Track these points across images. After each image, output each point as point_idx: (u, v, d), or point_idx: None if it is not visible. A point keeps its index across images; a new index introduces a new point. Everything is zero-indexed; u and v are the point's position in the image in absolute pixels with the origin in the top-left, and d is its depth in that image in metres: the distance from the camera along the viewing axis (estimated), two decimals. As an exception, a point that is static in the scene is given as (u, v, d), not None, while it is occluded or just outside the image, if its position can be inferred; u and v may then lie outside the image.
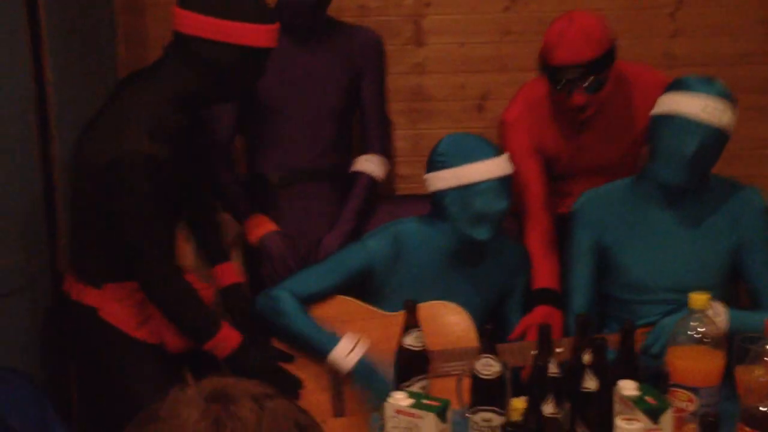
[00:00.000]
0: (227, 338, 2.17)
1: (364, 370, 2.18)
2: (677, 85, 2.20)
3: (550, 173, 2.65)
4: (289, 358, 2.26)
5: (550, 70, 2.45)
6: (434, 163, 2.27)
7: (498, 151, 2.26)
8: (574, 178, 2.68)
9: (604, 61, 2.42)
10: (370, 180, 2.80)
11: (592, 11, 2.52)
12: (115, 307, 2.20)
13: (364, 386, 2.18)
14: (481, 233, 2.24)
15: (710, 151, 2.16)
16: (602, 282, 2.37)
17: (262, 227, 2.66)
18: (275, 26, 2.16)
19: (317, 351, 2.22)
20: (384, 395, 1.81)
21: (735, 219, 2.26)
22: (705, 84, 2.17)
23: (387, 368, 2.07)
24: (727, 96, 2.16)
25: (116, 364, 2.22)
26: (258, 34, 2.11)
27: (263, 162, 2.77)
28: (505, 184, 2.24)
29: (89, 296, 2.20)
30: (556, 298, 2.42)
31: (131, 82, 2.22)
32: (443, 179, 2.24)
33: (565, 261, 2.42)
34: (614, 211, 2.33)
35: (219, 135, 2.69)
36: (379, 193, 2.90)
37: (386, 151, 2.89)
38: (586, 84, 2.41)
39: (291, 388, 2.23)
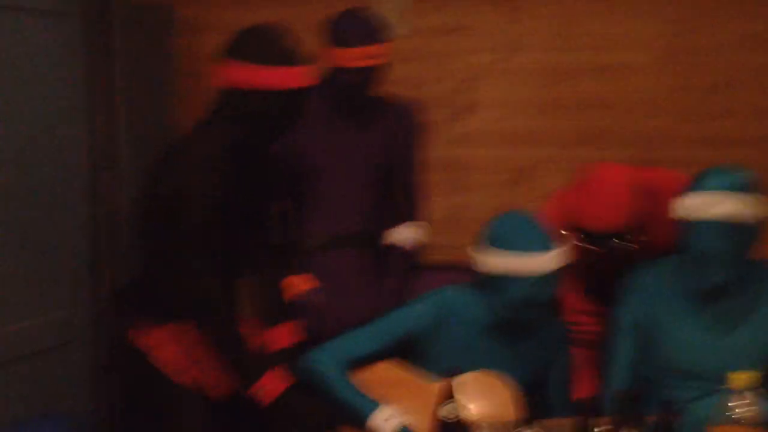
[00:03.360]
0: (270, 385, 2.18)
1: None
2: (692, 185, 2.18)
3: None
4: (333, 424, 2.24)
5: (581, 230, 2.46)
6: (489, 242, 2.25)
7: (553, 243, 2.23)
8: None
9: (629, 224, 2.41)
10: (406, 254, 2.85)
11: (615, 170, 2.45)
12: (167, 349, 2.25)
13: None
14: (520, 316, 2.25)
15: (727, 245, 2.13)
16: (644, 363, 2.33)
17: (304, 284, 2.72)
18: (306, 68, 2.23)
19: (356, 416, 2.20)
20: None
21: None
22: (716, 179, 2.14)
23: None
24: (742, 187, 2.13)
25: (160, 407, 2.27)
26: (291, 77, 2.19)
27: (306, 228, 2.82)
28: (556, 275, 2.23)
29: (145, 337, 2.26)
30: (594, 407, 2.43)
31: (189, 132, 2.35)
32: (496, 261, 2.22)
33: (609, 336, 2.38)
34: (663, 291, 2.29)
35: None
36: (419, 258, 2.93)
37: (424, 218, 2.92)
38: (617, 244, 2.41)
39: None
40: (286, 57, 2.21)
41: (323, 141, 2.77)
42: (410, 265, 2.87)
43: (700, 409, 2.07)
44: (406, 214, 2.90)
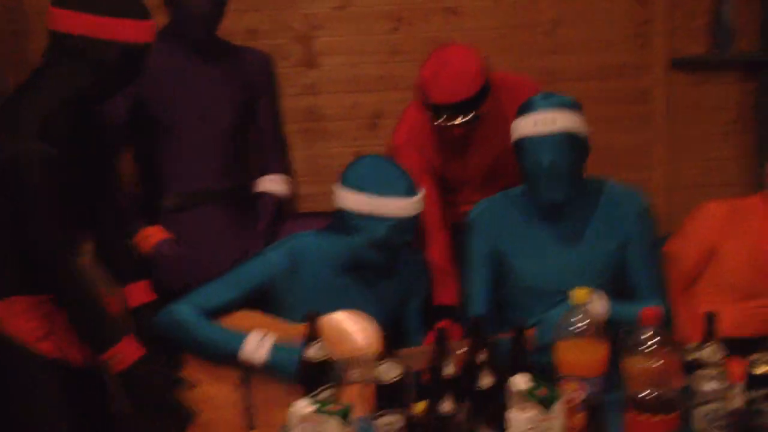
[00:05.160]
0: (126, 351, 2.15)
1: (279, 353, 2.18)
2: (518, 110, 2.33)
3: (441, 186, 2.73)
4: (191, 386, 2.26)
5: (427, 105, 2.55)
6: (350, 182, 2.29)
7: (415, 189, 2.29)
8: (464, 188, 2.77)
9: (478, 98, 2.53)
10: (276, 200, 2.85)
11: (465, 46, 2.59)
12: (19, 320, 2.18)
13: (285, 370, 2.18)
14: (377, 257, 2.30)
15: (566, 158, 2.25)
16: (499, 286, 2.45)
17: (155, 236, 2.66)
18: (151, 22, 2.19)
19: (226, 353, 2.22)
20: None
21: (617, 220, 2.37)
22: (537, 102, 2.29)
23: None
24: (561, 104, 2.27)
25: (17, 378, 2.19)
26: (136, 30, 2.14)
27: (158, 186, 2.77)
28: (415, 220, 2.29)
29: None
30: (454, 313, 2.51)
31: (17, 89, 2.23)
32: (356, 202, 2.26)
33: (463, 269, 2.50)
34: (507, 220, 2.41)
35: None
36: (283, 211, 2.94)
37: (287, 170, 2.94)
38: (464, 119, 2.52)
39: (181, 417, 2.22)
40: (130, 10, 2.14)
41: (175, 92, 2.69)
42: (279, 212, 2.86)
43: (547, 319, 2.20)
44: (272, 165, 2.88)
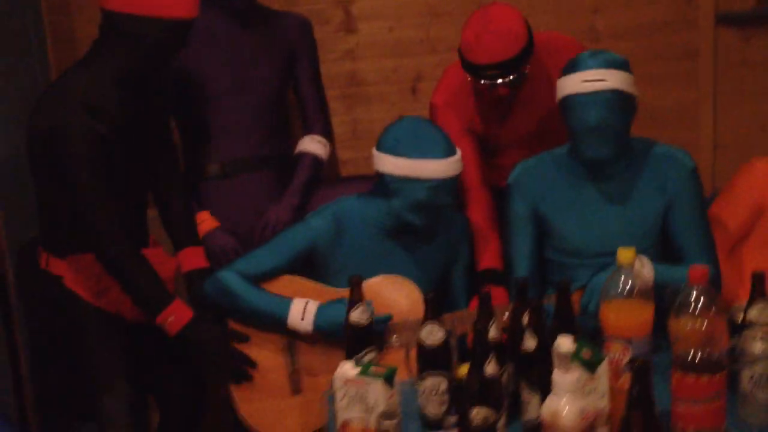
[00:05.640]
0: (178, 313, 2.22)
1: (326, 315, 2.21)
2: (565, 68, 2.28)
3: (482, 148, 2.71)
4: (244, 339, 2.30)
5: (469, 67, 2.49)
6: (387, 145, 2.28)
7: (453, 150, 2.28)
8: (506, 151, 2.74)
9: (522, 58, 2.46)
10: (315, 159, 2.84)
11: (507, 5, 2.51)
12: (78, 276, 2.29)
13: (335, 330, 2.20)
14: (418, 220, 2.29)
15: (614, 117, 2.22)
16: (541, 247, 2.44)
17: (205, 225, 2.69)
18: None
19: (273, 321, 2.25)
20: None
21: (664, 181, 2.33)
22: (586, 59, 2.24)
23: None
24: (611, 63, 2.22)
25: (81, 330, 2.32)
26: (179, 6, 2.18)
27: (203, 153, 2.78)
28: (454, 181, 2.28)
29: (55, 266, 2.29)
30: (500, 277, 2.50)
31: (75, 64, 2.31)
32: (394, 165, 2.26)
33: (504, 231, 2.49)
34: (548, 181, 2.39)
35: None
36: (322, 174, 2.93)
37: (327, 133, 2.93)
38: (507, 80, 2.46)
39: (242, 367, 2.28)
40: None
41: (216, 60, 2.70)
42: (317, 173, 2.86)
43: (596, 285, 2.17)
44: (313, 127, 2.88)
